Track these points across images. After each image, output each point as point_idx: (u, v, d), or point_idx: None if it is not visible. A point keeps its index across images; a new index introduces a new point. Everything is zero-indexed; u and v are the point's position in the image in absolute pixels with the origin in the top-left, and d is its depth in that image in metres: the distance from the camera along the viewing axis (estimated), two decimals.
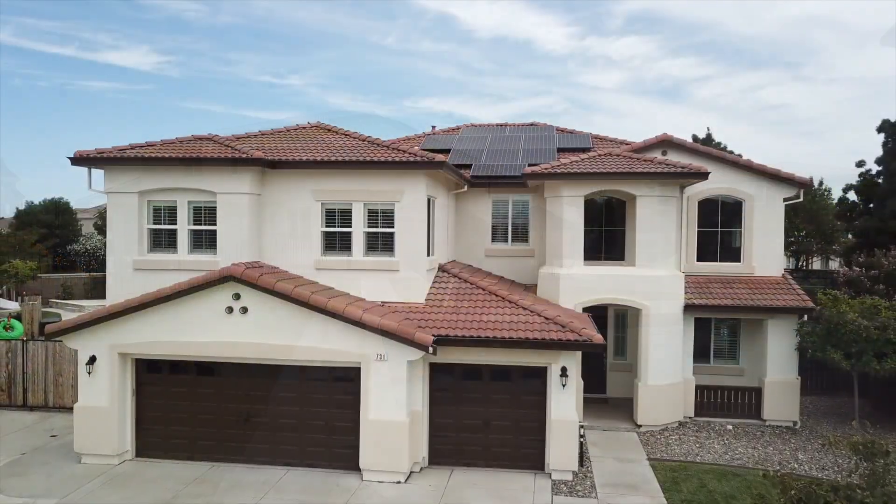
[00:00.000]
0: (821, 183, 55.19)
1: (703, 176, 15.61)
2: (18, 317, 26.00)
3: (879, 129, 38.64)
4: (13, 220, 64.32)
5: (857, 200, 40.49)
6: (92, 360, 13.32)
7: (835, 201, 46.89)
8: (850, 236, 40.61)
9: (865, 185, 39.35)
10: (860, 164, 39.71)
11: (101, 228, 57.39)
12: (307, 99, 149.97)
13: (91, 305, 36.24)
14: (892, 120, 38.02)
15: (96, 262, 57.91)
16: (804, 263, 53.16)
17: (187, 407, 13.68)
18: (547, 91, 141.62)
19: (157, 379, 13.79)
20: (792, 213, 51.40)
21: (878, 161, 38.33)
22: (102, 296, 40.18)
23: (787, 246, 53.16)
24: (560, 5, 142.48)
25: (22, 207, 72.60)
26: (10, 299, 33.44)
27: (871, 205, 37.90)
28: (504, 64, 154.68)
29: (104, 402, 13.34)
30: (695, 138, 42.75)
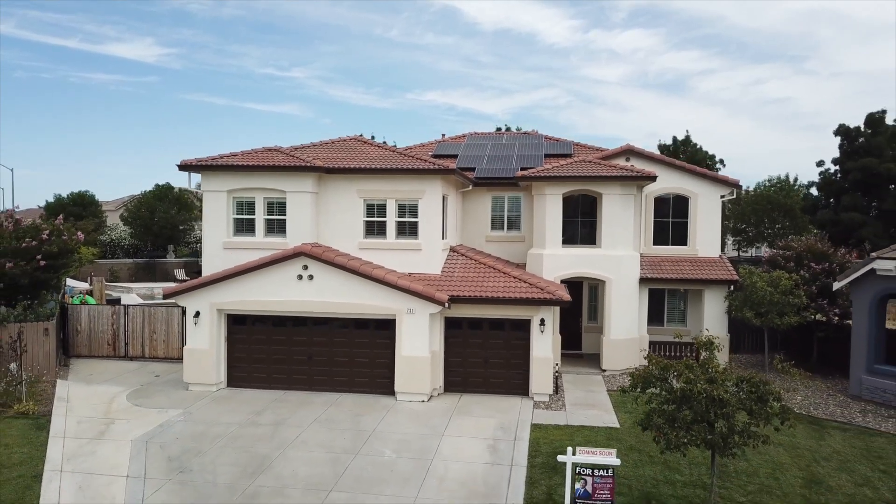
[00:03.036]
0: (796, 179, 59.93)
1: (652, 179, 20.39)
2: (91, 294, 30.90)
3: (836, 133, 43.54)
4: (43, 210, 69.13)
5: (818, 196, 45.36)
6: (197, 314, 18.18)
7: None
8: (811, 227, 45.41)
9: (825, 182, 44.26)
10: (820, 163, 44.68)
11: (128, 220, 62.24)
12: (309, 92, 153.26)
13: (138, 287, 41.17)
14: (847, 125, 42.86)
15: (122, 250, 62.84)
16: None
17: (265, 350, 18.54)
18: (550, 84, 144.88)
19: (243, 329, 18.65)
20: (770, 207, 56.27)
21: (835, 161, 43.25)
22: (145, 279, 45.14)
23: (762, 236, 58.11)
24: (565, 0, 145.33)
25: (51, 200, 77.49)
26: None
27: (832, 200, 42.75)
28: (507, 57, 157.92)
29: (206, 345, 18.20)
30: (674, 139, 47.47)
